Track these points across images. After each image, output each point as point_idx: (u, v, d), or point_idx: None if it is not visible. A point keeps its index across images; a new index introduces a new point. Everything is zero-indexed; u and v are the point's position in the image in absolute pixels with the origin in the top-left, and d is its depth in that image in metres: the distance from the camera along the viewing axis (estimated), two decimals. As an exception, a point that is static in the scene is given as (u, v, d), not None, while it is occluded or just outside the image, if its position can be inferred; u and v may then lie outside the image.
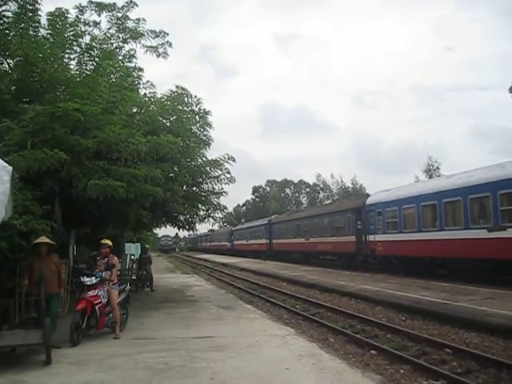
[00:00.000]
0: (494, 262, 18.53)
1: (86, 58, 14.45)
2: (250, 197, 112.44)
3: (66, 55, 14.09)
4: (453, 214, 21.74)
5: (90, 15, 14.57)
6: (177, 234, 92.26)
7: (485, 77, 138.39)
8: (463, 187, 20.83)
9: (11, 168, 6.24)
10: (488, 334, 11.39)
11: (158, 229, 30.35)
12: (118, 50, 15.65)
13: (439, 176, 48.38)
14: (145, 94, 16.77)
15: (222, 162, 16.30)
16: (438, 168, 60.10)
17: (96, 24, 14.75)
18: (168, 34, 15.52)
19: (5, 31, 12.82)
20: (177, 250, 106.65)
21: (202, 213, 17.69)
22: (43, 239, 9.88)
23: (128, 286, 12.56)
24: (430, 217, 23.30)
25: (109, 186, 11.33)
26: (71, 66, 14.68)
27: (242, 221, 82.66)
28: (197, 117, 16.71)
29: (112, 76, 14.10)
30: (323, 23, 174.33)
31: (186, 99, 16.30)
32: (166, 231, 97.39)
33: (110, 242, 11.52)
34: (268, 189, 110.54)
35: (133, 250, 25.04)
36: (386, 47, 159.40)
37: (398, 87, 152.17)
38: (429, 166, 60.84)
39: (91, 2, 14.55)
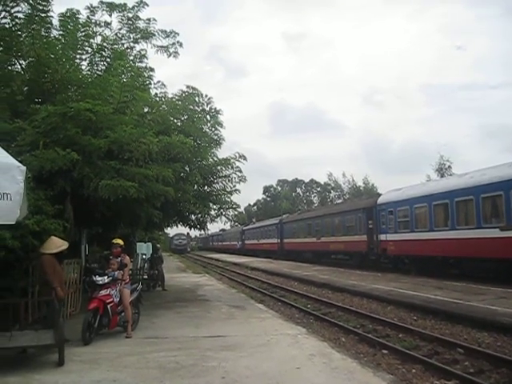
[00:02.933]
0: (506, 261, 18.36)
1: (97, 59, 14.58)
2: (260, 196, 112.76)
3: (78, 56, 14.23)
4: (465, 213, 21.61)
5: (101, 16, 14.72)
6: (188, 233, 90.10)
7: (495, 75, 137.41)
8: (475, 186, 20.70)
9: (25, 168, 6.28)
10: (500, 334, 11.31)
11: (169, 228, 30.40)
12: (129, 50, 15.75)
13: (451, 175, 48.08)
14: (156, 93, 16.83)
15: (233, 160, 16.28)
16: (449, 167, 59.71)
17: (107, 24, 14.89)
18: (178, 34, 15.62)
19: (17, 32, 12.95)
20: (188, 249, 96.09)
21: (213, 212, 17.69)
22: (64, 244, 9.97)
23: (140, 286, 12.58)
24: (441, 216, 23.16)
25: (120, 186, 11.34)
26: (83, 67, 14.83)
27: (253, 220, 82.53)
28: (208, 116, 16.71)
29: (123, 76, 14.14)
30: (332, 22, 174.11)
31: (196, 99, 16.31)
32: (177, 230, 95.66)
33: (121, 242, 11.56)
34: (279, 188, 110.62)
35: (144, 249, 25.20)
36: (395, 46, 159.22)
37: (408, 86, 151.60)
38: (440, 165, 60.47)
39: (102, 3, 14.69)
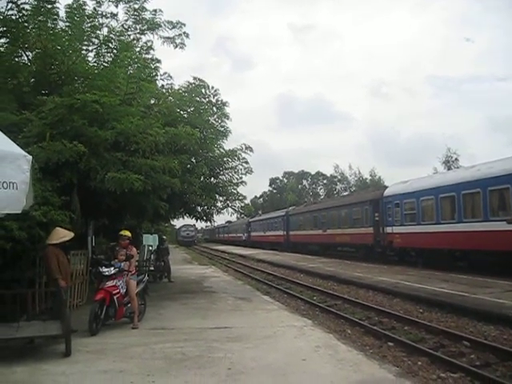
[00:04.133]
0: (513, 254, 18.31)
1: (103, 50, 14.55)
2: (267, 188, 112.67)
3: (84, 47, 14.22)
4: (472, 206, 21.53)
5: (108, 7, 14.67)
6: (194, 225, 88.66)
7: (503, 67, 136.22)
8: (482, 179, 20.61)
9: (31, 157, 6.28)
10: (507, 327, 11.27)
11: (175, 220, 30.42)
12: (135, 41, 15.73)
13: (458, 167, 47.93)
14: (162, 85, 16.86)
15: (239, 152, 16.27)
16: (456, 159, 59.77)
17: (113, 16, 14.84)
18: (185, 25, 15.57)
19: (23, 24, 12.93)
20: (196, 241, 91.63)
21: (219, 204, 17.70)
22: (68, 235, 10.01)
23: (146, 277, 12.62)
24: (448, 209, 23.09)
25: (126, 179, 11.33)
26: (89, 58, 14.82)
27: (260, 212, 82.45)
28: (214, 108, 16.69)
29: (130, 68, 14.15)
30: (338, 14, 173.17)
31: (203, 90, 16.30)
32: (184, 222, 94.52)
33: (129, 234, 11.56)
34: (285, 180, 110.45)
35: (151, 240, 25.18)
36: (402, 38, 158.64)
37: (415, 78, 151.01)
38: (447, 158, 60.51)
39: (108, -6, 14.62)
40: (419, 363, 9.05)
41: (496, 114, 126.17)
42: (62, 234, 9.98)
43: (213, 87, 16.52)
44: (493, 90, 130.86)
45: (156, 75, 16.46)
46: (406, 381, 6.79)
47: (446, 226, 22.74)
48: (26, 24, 13.01)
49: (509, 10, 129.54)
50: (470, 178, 21.66)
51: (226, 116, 16.82)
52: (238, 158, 16.36)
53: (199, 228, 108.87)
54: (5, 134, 6.44)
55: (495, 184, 19.81)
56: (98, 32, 14.24)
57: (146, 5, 15.14)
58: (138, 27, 15.43)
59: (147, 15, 15.24)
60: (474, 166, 23.31)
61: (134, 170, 11.74)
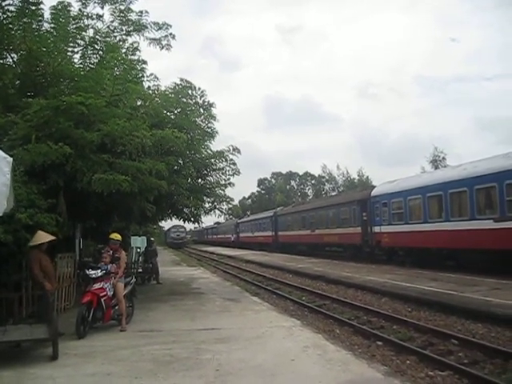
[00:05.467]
0: (500, 252, 18.39)
1: (89, 52, 14.50)
2: (255, 189, 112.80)
3: (70, 49, 14.16)
4: (459, 205, 21.63)
5: (93, 8, 14.56)
6: (184, 226, 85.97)
7: (490, 67, 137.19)
8: (469, 178, 20.71)
9: (11, 159, 6.23)
10: (494, 325, 11.36)
11: (163, 221, 30.40)
12: (121, 42, 15.65)
13: (445, 167, 48.22)
14: (149, 86, 16.79)
15: (226, 153, 16.28)
16: (443, 159, 60.20)
17: (99, 17, 14.74)
18: (171, 26, 15.50)
19: (8, 25, 12.85)
20: (186, 243, 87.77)
21: (207, 205, 17.70)
22: (46, 237, 9.92)
23: (134, 279, 12.57)
24: (435, 208, 23.19)
25: (113, 180, 11.29)
26: (75, 60, 14.77)
27: (248, 213, 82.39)
28: (201, 109, 16.70)
29: (116, 69, 14.07)
30: (326, 15, 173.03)
31: (190, 92, 16.31)
32: (172, 223, 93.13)
33: (119, 237, 11.52)
34: (273, 181, 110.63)
35: (139, 242, 25.13)
36: (389, 38, 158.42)
37: (402, 78, 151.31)
38: (435, 157, 60.95)
39: (94, -5, 14.53)
40: (408, 362, 9.09)
41: (483, 114, 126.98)
42: (41, 237, 9.90)
43: (199, 88, 16.58)
44: (480, 89, 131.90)
45: (142, 76, 16.40)
46: (395, 380, 6.80)
47: (434, 225, 22.84)
48: (11, 26, 12.92)
49: (494, 11, 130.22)
50: (457, 177, 21.77)
51: (213, 117, 16.89)
52: (226, 160, 16.38)
53: (187, 229, 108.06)
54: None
55: (482, 183, 19.91)
56: (84, 33, 14.16)
57: (131, 6, 15.09)
58: (123, 28, 15.34)
59: (133, 16, 15.16)
60: (461, 165, 23.43)
61: (120, 172, 11.69)
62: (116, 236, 11.44)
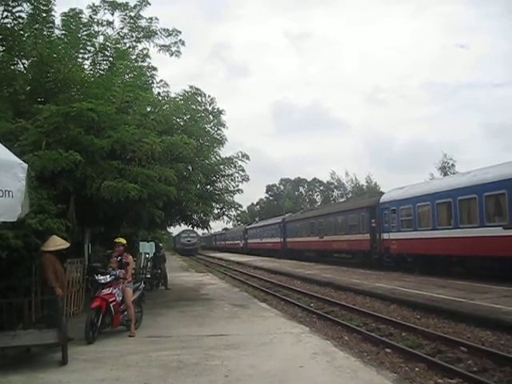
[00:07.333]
0: (509, 259, 18.27)
1: (99, 58, 14.59)
2: (263, 195, 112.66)
3: (80, 55, 14.25)
4: (468, 212, 21.52)
5: (103, 15, 14.73)
6: (195, 231, 79.45)
7: (498, 74, 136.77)
8: (478, 184, 20.61)
9: (26, 165, 6.29)
10: (504, 333, 11.27)
11: (172, 227, 30.45)
12: (131, 49, 15.78)
13: (454, 173, 48.02)
14: (158, 93, 16.87)
15: (235, 160, 16.31)
16: (453, 165, 59.81)
17: (109, 23, 14.92)
18: (180, 33, 15.65)
19: (19, 32, 12.97)
20: (197, 249, 78.85)
21: (216, 211, 17.71)
22: (64, 244, 10.00)
23: (142, 285, 12.61)
24: (444, 214, 23.08)
25: (122, 187, 11.33)
26: (85, 66, 14.84)
27: (256, 219, 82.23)
28: (210, 116, 16.74)
29: (126, 76, 14.15)
30: (334, 21, 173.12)
31: (199, 99, 16.34)
32: (181, 229, 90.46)
33: (123, 241, 11.59)
34: (282, 187, 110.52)
35: (147, 248, 25.21)
36: (398, 45, 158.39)
37: (411, 84, 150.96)
38: (444, 164, 60.57)
39: (104, 2, 14.71)
40: (416, 369, 9.05)
41: (492, 121, 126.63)
42: (58, 242, 9.99)
43: (209, 95, 16.63)
44: (489, 96, 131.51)
45: (152, 83, 16.50)
46: (404, 387, 6.78)
47: (443, 232, 22.73)
48: (22, 32, 13.04)
49: (501, 18, 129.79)
50: (466, 183, 21.67)
51: (222, 124, 16.93)
52: (235, 166, 16.40)
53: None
54: (0, 142, 6.44)
55: (491, 189, 19.81)
56: (94, 40, 14.27)
57: (141, 13, 15.23)
58: (133, 35, 15.49)
59: (143, 23, 15.32)
60: (470, 171, 23.30)
61: (130, 179, 11.73)
62: (119, 240, 11.54)
